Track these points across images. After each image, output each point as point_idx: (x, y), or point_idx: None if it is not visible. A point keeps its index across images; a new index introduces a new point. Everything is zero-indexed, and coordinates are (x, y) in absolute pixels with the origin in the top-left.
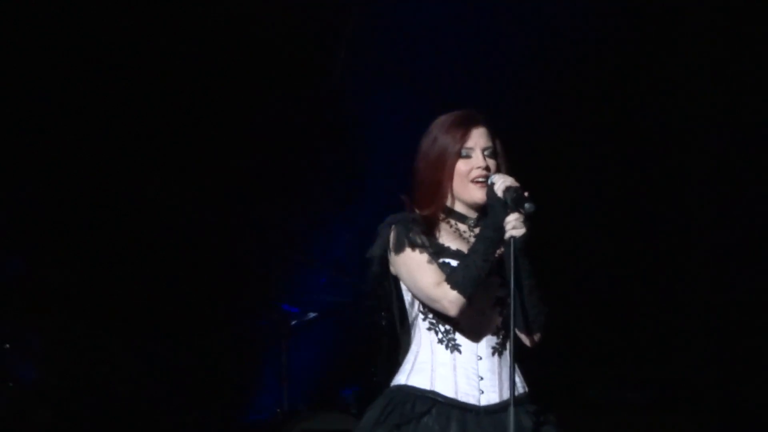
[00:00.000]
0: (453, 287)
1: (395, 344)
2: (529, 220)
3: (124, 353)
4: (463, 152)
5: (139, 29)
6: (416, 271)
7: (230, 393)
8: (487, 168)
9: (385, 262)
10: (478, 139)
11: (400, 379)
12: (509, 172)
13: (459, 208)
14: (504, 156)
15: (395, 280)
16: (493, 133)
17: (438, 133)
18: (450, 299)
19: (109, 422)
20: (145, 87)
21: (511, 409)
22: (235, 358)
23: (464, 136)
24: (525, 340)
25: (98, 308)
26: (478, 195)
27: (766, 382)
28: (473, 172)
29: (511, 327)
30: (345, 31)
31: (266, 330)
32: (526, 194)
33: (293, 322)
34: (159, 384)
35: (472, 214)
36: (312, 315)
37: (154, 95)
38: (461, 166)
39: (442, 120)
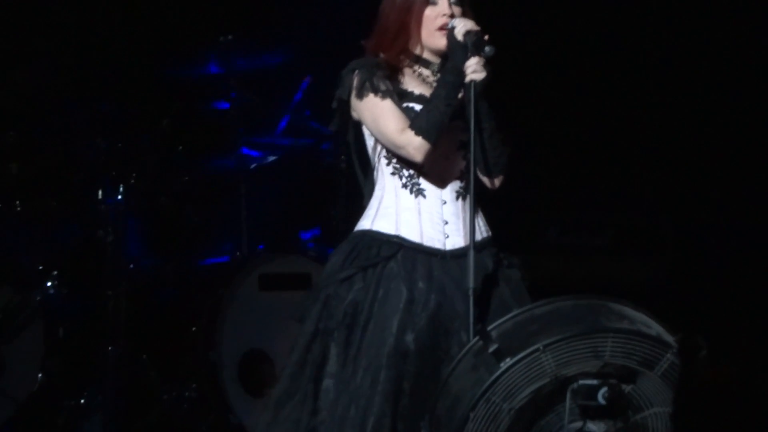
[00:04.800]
0: (417, 133)
1: (354, 187)
2: (489, 64)
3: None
4: None
5: None
6: (380, 118)
7: (189, 236)
8: (452, 16)
9: (347, 108)
10: None
11: (365, 224)
12: (473, 19)
13: (423, 54)
14: (470, 4)
15: (357, 126)
16: None
17: None
18: (415, 146)
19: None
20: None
21: (471, 253)
22: (194, 201)
23: None
24: (487, 182)
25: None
26: (442, 42)
27: (720, 223)
28: (438, 20)
29: (471, 167)
30: None
31: (225, 173)
32: (486, 38)
33: (252, 166)
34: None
35: (436, 60)
36: (271, 158)
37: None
38: (428, 12)
39: None
